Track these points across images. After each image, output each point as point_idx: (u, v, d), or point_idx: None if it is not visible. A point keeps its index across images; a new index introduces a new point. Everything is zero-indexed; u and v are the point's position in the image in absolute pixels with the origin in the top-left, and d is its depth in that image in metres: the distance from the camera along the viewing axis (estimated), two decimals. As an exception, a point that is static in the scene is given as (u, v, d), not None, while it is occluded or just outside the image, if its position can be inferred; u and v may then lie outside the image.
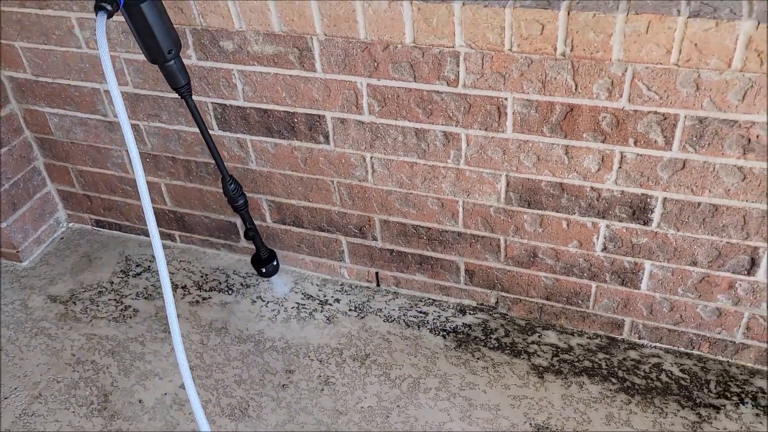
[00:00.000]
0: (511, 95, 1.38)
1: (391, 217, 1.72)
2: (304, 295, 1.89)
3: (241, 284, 1.94)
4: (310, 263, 1.94)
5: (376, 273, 1.88)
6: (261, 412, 1.60)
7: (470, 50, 1.35)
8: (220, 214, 1.94)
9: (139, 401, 1.64)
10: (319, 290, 1.90)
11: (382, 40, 1.40)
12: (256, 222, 1.89)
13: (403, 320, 1.79)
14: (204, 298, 1.90)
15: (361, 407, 1.59)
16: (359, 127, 1.57)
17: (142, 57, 1.66)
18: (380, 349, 1.72)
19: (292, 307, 1.86)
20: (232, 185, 1.61)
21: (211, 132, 1.74)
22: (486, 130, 1.46)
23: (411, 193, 1.65)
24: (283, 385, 1.66)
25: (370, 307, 1.84)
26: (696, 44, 1.17)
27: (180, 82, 1.39)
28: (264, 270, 1.85)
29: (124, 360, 1.75)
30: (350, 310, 1.84)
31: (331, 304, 1.86)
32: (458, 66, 1.38)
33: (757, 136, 1.25)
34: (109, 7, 1.16)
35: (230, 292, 1.92)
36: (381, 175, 1.64)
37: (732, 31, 1.13)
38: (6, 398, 1.68)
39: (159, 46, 1.30)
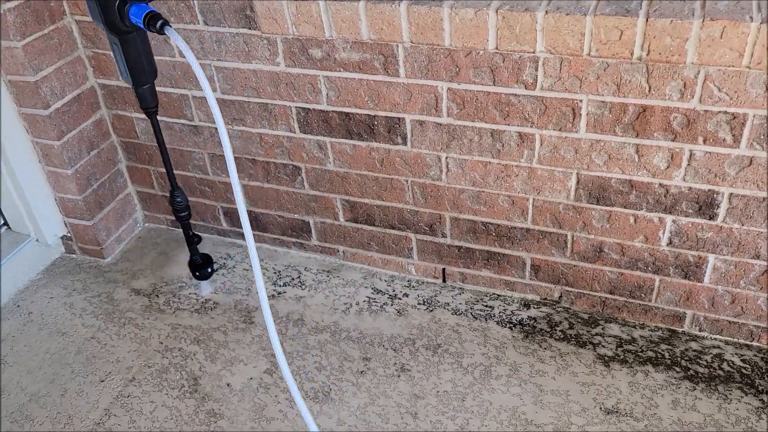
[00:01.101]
0: (587, 97, 1.49)
1: (462, 215, 1.83)
2: (374, 290, 2.00)
3: (314, 280, 2.05)
4: (379, 260, 2.05)
5: (443, 269, 1.98)
6: (343, 396, 1.70)
7: (549, 55, 1.46)
8: (294, 214, 2.06)
9: (228, 385, 1.75)
10: (388, 285, 2.01)
11: (466, 46, 1.51)
12: (328, 220, 2.00)
13: (471, 313, 1.89)
14: (279, 293, 2.01)
15: (437, 392, 1.68)
16: (437, 128, 1.68)
17: (231, 64, 1.80)
18: (450, 339, 1.82)
19: (364, 301, 1.96)
20: (179, 198, 1.78)
21: (292, 135, 1.86)
22: (560, 130, 1.56)
23: (483, 191, 1.75)
24: (362, 372, 1.76)
25: (438, 301, 1.94)
26: None
27: (153, 102, 1.57)
28: (198, 274, 1.98)
29: (209, 348, 1.86)
30: (419, 303, 1.94)
31: (400, 298, 1.96)
32: (537, 70, 1.49)
33: (823, 134, 1.34)
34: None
35: (303, 287, 2.03)
36: (455, 174, 1.75)
37: (802, 36, 1.24)
38: (102, 381, 1.80)
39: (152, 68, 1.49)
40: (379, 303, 1.95)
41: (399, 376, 1.74)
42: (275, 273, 2.09)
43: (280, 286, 2.04)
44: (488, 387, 1.68)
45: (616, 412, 1.59)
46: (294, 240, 2.14)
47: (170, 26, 1.24)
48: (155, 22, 1.24)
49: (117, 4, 1.23)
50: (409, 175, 1.81)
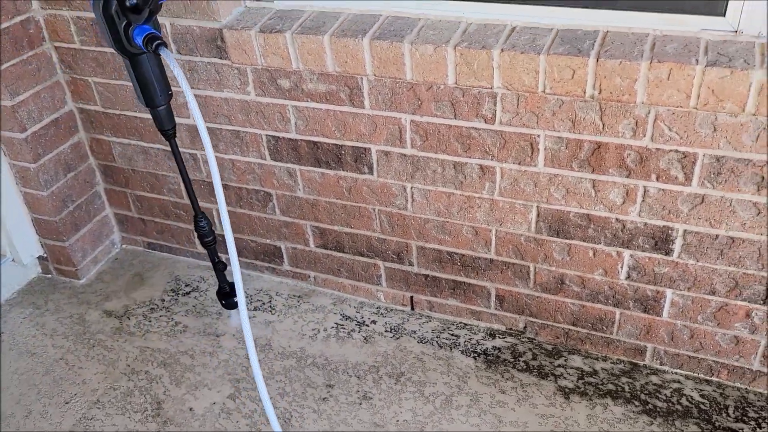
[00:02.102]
0: (544, 133, 1.52)
1: (428, 244, 1.85)
2: (343, 316, 2.01)
3: (284, 305, 2.07)
4: (349, 286, 2.07)
5: (411, 297, 2.00)
6: (303, 423, 1.71)
7: (507, 91, 1.49)
8: (266, 239, 2.08)
9: (190, 409, 1.76)
10: (357, 312, 2.02)
11: (427, 80, 1.55)
12: (299, 246, 2.03)
13: (436, 342, 1.90)
14: (249, 317, 2.03)
15: (398, 421, 1.69)
16: (402, 159, 1.71)
17: (204, 92, 1.84)
18: (414, 367, 1.83)
19: (332, 327, 1.98)
20: (203, 222, 1.57)
21: (263, 162, 1.89)
22: (519, 164, 1.59)
23: (447, 222, 1.78)
24: (324, 399, 1.77)
25: (405, 329, 1.95)
26: (713, 90, 1.30)
27: (168, 124, 1.40)
28: (224, 303, 1.76)
29: (176, 371, 1.88)
30: (386, 331, 1.95)
31: (368, 325, 1.98)
32: (495, 105, 1.52)
33: (770, 174, 1.37)
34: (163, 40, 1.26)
35: (273, 312, 2.05)
36: (420, 204, 1.77)
37: (745, 79, 1.26)
38: (67, 403, 1.81)
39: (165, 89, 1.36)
40: (346, 330, 1.97)
41: (361, 404, 1.75)
42: (246, 297, 2.11)
43: (250, 310, 2.05)
44: (448, 417, 1.69)
45: (573, 445, 1.60)
46: (267, 264, 2.16)
47: (166, 47, 1.25)
48: (152, 42, 1.26)
49: (123, 25, 1.25)
50: (376, 203, 1.83)
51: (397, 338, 1.93)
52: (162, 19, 1.74)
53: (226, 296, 1.73)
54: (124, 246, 2.37)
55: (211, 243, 1.62)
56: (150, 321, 2.05)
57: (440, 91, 1.56)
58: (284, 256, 2.10)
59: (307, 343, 1.93)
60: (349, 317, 2.01)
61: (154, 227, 2.26)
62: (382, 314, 2.01)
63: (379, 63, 1.56)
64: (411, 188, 1.76)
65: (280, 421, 1.72)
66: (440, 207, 1.75)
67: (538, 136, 1.53)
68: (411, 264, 1.92)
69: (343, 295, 2.08)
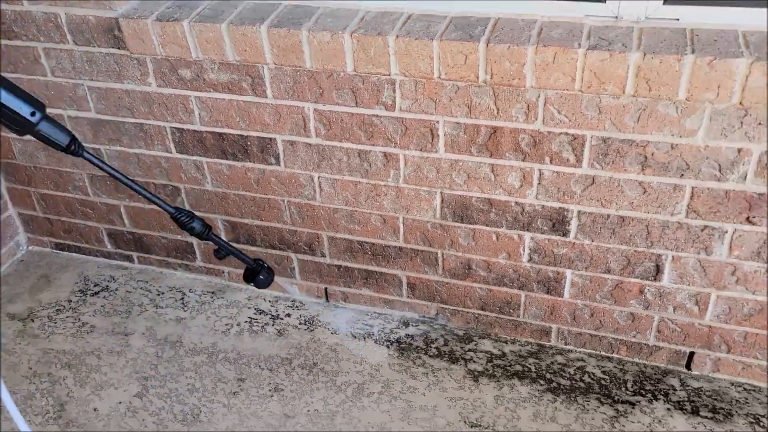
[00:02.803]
0: (442, 119, 1.55)
1: (338, 234, 1.85)
2: (257, 311, 1.99)
3: (197, 301, 2.03)
4: (263, 281, 2.04)
5: (325, 289, 1.99)
6: (212, 417, 1.68)
7: (404, 78, 1.51)
8: (177, 235, 2.04)
9: (95, 409, 1.71)
10: (272, 306, 2.01)
11: (326, 68, 1.55)
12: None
13: (351, 332, 1.91)
14: (160, 315, 1.99)
15: (308, 411, 1.69)
16: (307, 148, 1.71)
17: (104, 84, 1.79)
18: (328, 358, 1.83)
19: (245, 322, 1.95)
20: (183, 217, 1.33)
21: (169, 155, 1.86)
22: (421, 150, 1.61)
23: (356, 211, 1.78)
24: (234, 393, 1.74)
25: (320, 321, 1.95)
26: (595, 73, 1.35)
27: (63, 142, 1.16)
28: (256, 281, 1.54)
29: (81, 372, 1.82)
30: (300, 323, 1.94)
31: (282, 319, 1.96)
32: (394, 92, 1.54)
33: (653, 154, 1.43)
34: None
35: (185, 308, 2.01)
36: (328, 193, 1.77)
37: (623, 62, 1.32)
38: (-38, 409, 1.73)
39: (19, 115, 1.10)
40: (260, 323, 1.95)
41: (272, 396, 1.73)
42: (158, 295, 2.06)
43: (161, 308, 2.01)
44: (359, 405, 1.70)
45: (480, 425, 1.63)
46: (179, 261, 2.12)
47: None
48: None
49: None
50: (284, 194, 1.83)
51: (312, 330, 1.92)
52: (56, 8, 1.69)
53: (253, 276, 1.52)
54: (30, 247, 2.28)
55: (206, 233, 1.34)
56: (55, 322, 1.98)
57: (340, 78, 1.56)
58: (197, 252, 2.06)
59: (219, 339, 1.90)
60: (264, 311, 1.99)
61: (61, 227, 2.19)
62: (296, 307, 2.00)
63: (278, 51, 1.56)
64: (318, 178, 1.76)
65: (189, 417, 1.68)
66: (348, 196, 1.76)
67: (437, 122, 1.55)
68: (323, 255, 1.92)
69: (257, 290, 2.06)
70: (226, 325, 1.95)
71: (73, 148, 1.17)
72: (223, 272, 2.08)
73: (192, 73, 1.68)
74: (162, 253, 2.12)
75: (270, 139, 1.73)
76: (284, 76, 1.61)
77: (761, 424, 1.57)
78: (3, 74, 1.11)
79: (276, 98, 1.65)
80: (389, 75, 1.51)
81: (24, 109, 1.10)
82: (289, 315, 1.97)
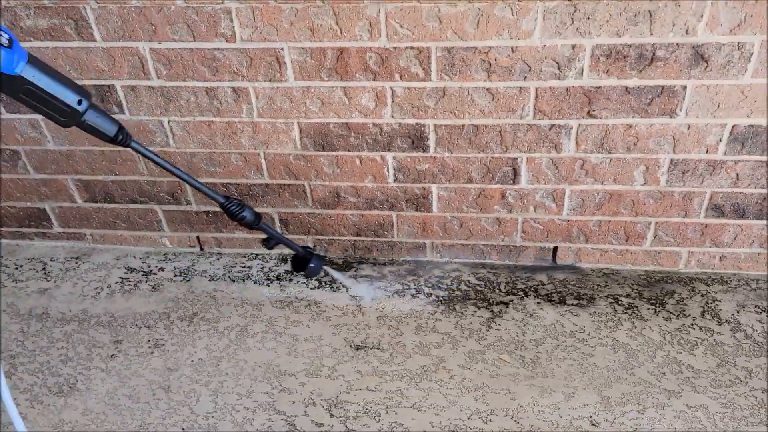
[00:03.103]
0: (286, 45, 1.49)
1: (200, 179, 1.78)
2: (128, 269, 1.91)
3: (60, 269, 1.91)
4: (130, 238, 1.95)
5: (198, 237, 1.93)
6: (90, 384, 1.61)
7: (240, 5, 1.44)
8: (26, 202, 1.89)
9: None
10: (143, 262, 1.93)
11: (155, 2, 1.44)
12: (66, 204, 1.87)
13: (228, 277, 1.87)
14: (20, 289, 1.86)
15: (192, 361, 1.65)
16: (150, 92, 1.61)
17: None
18: (207, 306, 1.79)
19: (116, 283, 1.87)
20: (233, 206, 1.25)
21: (0, 116, 1.70)
22: (270, 81, 1.56)
23: (214, 152, 1.71)
24: (112, 356, 1.68)
25: (195, 270, 1.89)
26: (429, -19, 1.34)
27: (110, 132, 1.06)
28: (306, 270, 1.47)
29: (-63, 362, 1.68)
30: (175, 276, 1.88)
31: (155, 274, 1.89)
32: (232, 22, 1.47)
33: (495, 59, 1.45)
34: None
35: (49, 278, 1.89)
36: (181, 137, 1.69)
37: (455, -33, 1.31)
38: None
39: (64, 103, 0.99)
40: (132, 282, 1.87)
41: (152, 353, 1.68)
42: (16, 268, 1.92)
43: (21, 281, 1.88)
44: (244, 346, 1.68)
45: (365, 346, 1.66)
46: (35, 230, 1.97)
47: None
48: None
49: None
50: (135, 144, 1.72)
51: (188, 281, 1.86)
52: None
53: (303, 264, 1.44)
54: None
55: (257, 223, 1.27)
56: None
57: (171, 12, 1.46)
58: (51, 217, 1.93)
59: (89, 304, 1.81)
60: (135, 269, 1.91)
61: None
62: (170, 260, 1.93)
63: (98, -12, 1.43)
64: (168, 122, 1.66)
65: (65, 388, 1.61)
66: (203, 138, 1.69)
67: (282, 49, 1.50)
68: (188, 203, 1.84)
69: (126, 248, 1.97)
70: (96, 288, 1.85)
71: (121, 138, 1.07)
72: (85, 235, 1.97)
73: (6, 22, 1.52)
74: (14, 224, 1.96)
75: (108, 86, 1.61)
76: (110, 15, 1.48)
77: (620, 302, 1.70)
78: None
79: (106, 41, 1.53)
80: (223, 3, 1.43)
81: (70, 98, 0.99)
82: (162, 269, 1.90)
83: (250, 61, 1.52)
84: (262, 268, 1.89)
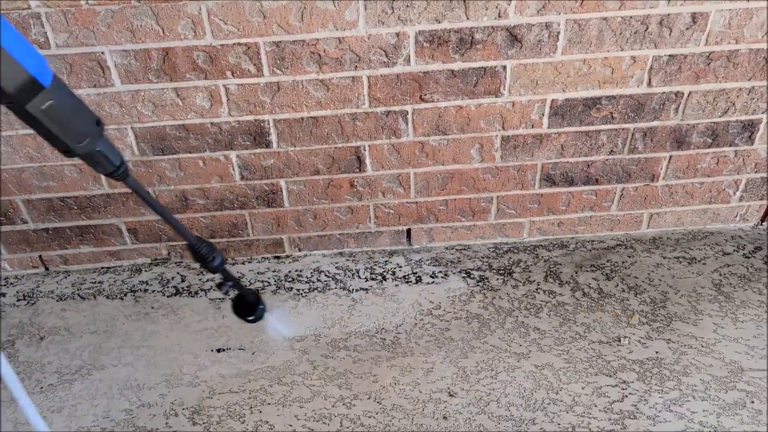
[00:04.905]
0: (107, 48, 1.43)
1: (34, 195, 1.67)
2: (-37, 300, 1.77)
3: None
4: (-37, 265, 1.81)
5: (40, 256, 1.82)
6: (-74, 428, 1.49)
7: (49, 9, 1.36)
8: None
9: None
10: (-20, 290, 1.79)
11: (-48, 10, 1.34)
12: None
13: (78, 294, 1.78)
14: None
15: (42, 388, 1.56)
16: (-38, 107, 1.49)
17: None
18: (56, 327, 1.69)
19: (-50, 315, 1.73)
20: (203, 249, 1.16)
21: None
22: (95, 86, 1.49)
23: (45, 166, 1.62)
24: (-50, 394, 1.55)
25: (41, 292, 1.79)
26: (246, -24, 1.33)
27: (115, 162, 0.97)
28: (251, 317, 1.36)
29: None
30: (18, 300, 1.77)
31: (-5, 301, 1.76)
32: (44, 27, 1.38)
33: (325, 51, 1.46)
34: None
35: None
36: (7, 153, 1.58)
37: (270, -39, 1.31)
38: None
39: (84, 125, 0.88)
40: (-31, 312, 1.73)
41: (-3, 385, 1.57)
42: None
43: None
44: (98, 365, 1.61)
45: (227, 348, 1.64)
46: None
47: None
48: None
49: None
50: (-47, 164, 1.59)
51: (33, 303, 1.76)
52: None
53: (250, 310, 1.32)
54: None
55: (220, 266, 1.16)
56: None
57: (-27, 20, 1.36)
58: None
59: None
60: (-29, 298, 1.77)
61: None
62: (12, 284, 1.81)
63: None
64: (-12, 138, 1.55)
65: None
66: (30, 152, 1.58)
67: (103, 53, 1.43)
68: (24, 221, 1.73)
69: (-41, 277, 1.82)
70: (-73, 324, 1.70)
71: (123, 169, 0.97)
72: None
73: None
74: None
75: None
76: None
77: (471, 276, 1.78)
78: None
79: None
80: (29, 8, 1.35)
81: (90, 119, 0.89)
82: (3, 294, 1.78)
83: (70, 67, 1.45)
84: (115, 281, 1.81)
